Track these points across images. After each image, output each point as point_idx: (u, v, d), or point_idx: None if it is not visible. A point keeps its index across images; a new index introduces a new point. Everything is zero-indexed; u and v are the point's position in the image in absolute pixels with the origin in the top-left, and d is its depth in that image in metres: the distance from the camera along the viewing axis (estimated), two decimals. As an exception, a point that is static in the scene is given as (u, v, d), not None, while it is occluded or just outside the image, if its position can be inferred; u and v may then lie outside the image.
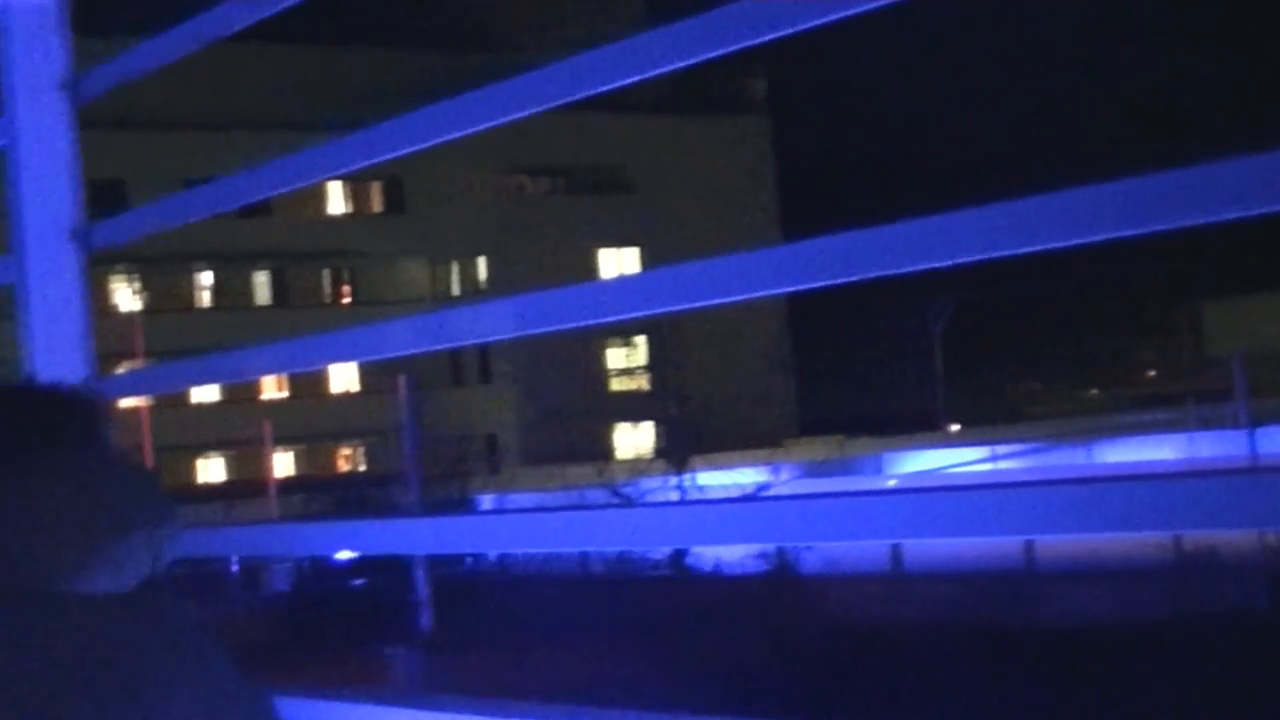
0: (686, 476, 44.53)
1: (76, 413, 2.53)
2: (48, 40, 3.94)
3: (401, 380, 31.23)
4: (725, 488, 41.03)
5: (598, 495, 38.43)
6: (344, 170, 3.35)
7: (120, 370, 4.82)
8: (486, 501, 48.15)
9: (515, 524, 3.59)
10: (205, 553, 4.77)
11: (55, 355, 4.74)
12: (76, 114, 4.05)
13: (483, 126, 2.82)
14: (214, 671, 2.42)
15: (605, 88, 2.17)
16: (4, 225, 4.19)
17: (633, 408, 68.58)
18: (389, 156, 3.31)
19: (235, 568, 31.97)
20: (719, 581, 34.46)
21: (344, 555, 35.37)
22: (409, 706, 3.69)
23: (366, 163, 3.63)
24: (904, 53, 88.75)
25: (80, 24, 3.79)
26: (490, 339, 3.57)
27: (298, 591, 31.99)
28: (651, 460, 52.68)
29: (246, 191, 4.32)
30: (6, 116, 4.12)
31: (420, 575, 27.09)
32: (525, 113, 2.46)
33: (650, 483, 43.70)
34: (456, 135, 3.03)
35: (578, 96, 2.26)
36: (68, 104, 4.03)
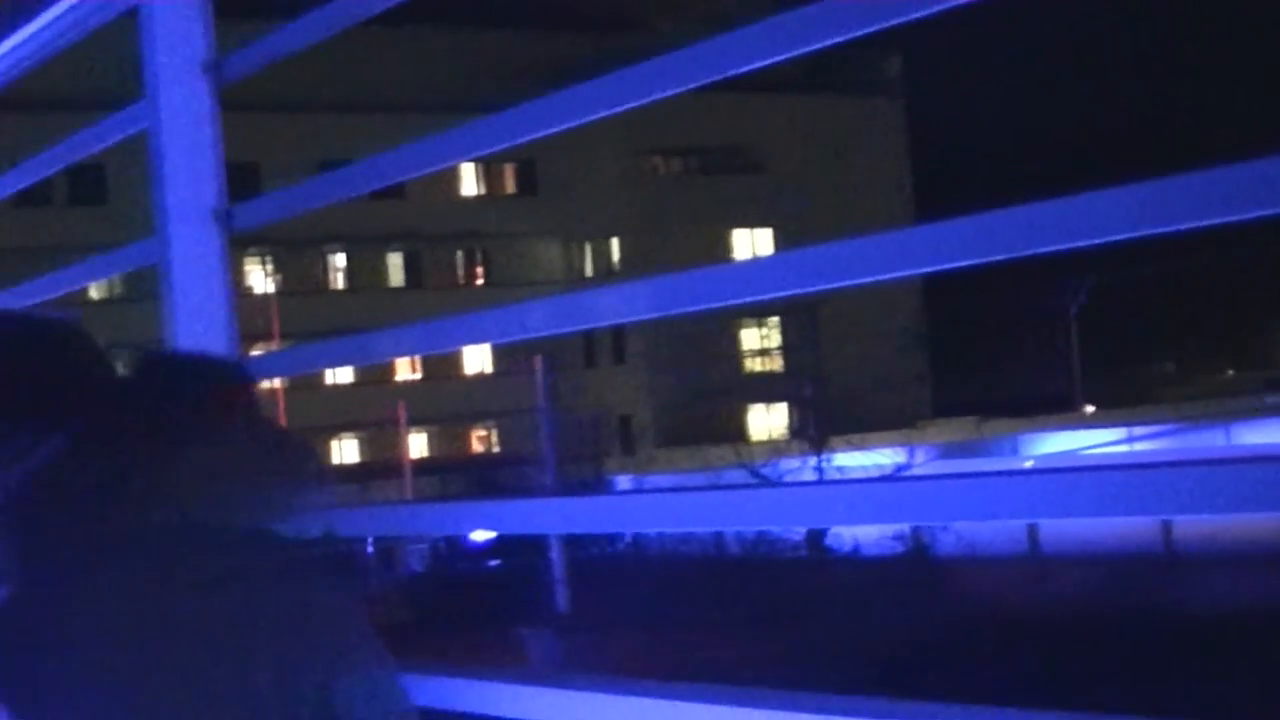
0: (824, 458, 44.41)
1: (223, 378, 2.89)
2: (190, 23, 3.98)
3: (538, 361, 31.35)
4: (863, 469, 40.92)
5: (736, 477, 38.40)
6: (482, 153, 3.38)
7: (256, 352, 4.87)
8: (623, 483, 48.26)
9: (654, 504, 3.61)
10: (345, 532, 4.83)
11: (199, 335, 4.81)
12: (219, 96, 4.10)
13: (620, 109, 2.83)
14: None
15: (743, 70, 2.17)
16: (146, 208, 4.25)
17: (767, 389, 68.50)
18: (527, 139, 3.32)
19: (371, 549, 32.24)
20: (856, 562, 34.39)
21: (479, 537, 35.61)
22: (547, 685, 3.71)
23: (505, 145, 3.66)
24: (1039, 32, 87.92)
25: (221, 6, 3.84)
26: (624, 320, 3.58)
27: (433, 573, 32.21)
28: (788, 441, 52.59)
29: (385, 174, 4.36)
30: (149, 99, 4.17)
31: (556, 556, 27.19)
32: (663, 95, 2.47)
33: (789, 464, 43.61)
34: (594, 118, 3.05)
35: (715, 79, 2.27)
36: (210, 86, 4.07)
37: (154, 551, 2.25)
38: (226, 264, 4.76)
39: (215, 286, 4.79)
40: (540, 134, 3.54)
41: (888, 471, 37.27)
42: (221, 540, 2.30)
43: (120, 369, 2.79)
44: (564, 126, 3.26)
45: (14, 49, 4.25)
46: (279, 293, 60.93)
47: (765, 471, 40.81)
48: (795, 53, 2.08)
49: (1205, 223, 1.66)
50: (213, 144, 4.63)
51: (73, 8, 4.32)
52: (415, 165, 4.20)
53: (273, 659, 2.22)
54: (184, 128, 4.63)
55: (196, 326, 4.75)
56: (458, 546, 34.53)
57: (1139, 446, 51.31)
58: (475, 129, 3.79)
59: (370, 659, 2.49)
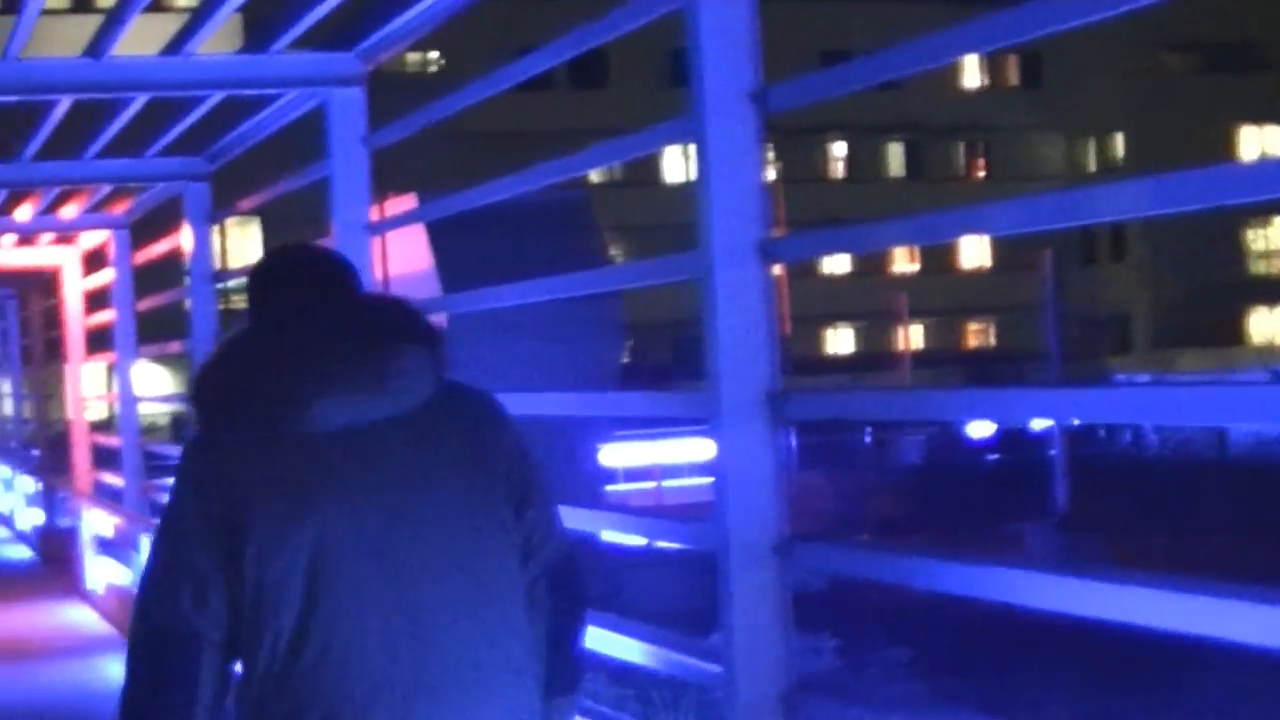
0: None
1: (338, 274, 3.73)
2: None
3: (1046, 255, 30.86)
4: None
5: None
6: (994, 47, 3.44)
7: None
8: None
9: (1168, 396, 3.64)
10: (842, 415, 4.97)
11: (732, 214, 4.95)
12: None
13: (1134, 7, 2.86)
14: (484, 456, 3.62)
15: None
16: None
17: (1271, 291, 66.26)
18: (1039, 35, 3.37)
19: (868, 438, 32.41)
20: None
21: (978, 432, 35.45)
22: (1058, 575, 3.80)
23: (1015, 40, 3.70)
24: None
25: None
26: (1128, 217, 3.61)
27: (931, 465, 32.22)
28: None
29: (906, 64, 4.43)
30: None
31: (1057, 454, 26.90)
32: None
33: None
34: (1107, 15, 3.08)
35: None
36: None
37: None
38: (760, 145, 4.90)
39: (748, 167, 4.92)
40: (1052, 30, 3.58)
41: None
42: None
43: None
44: (1077, 23, 3.30)
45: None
46: (781, 180, 61.34)
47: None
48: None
49: None
50: (748, 24, 4.74)
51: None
52: (932, 57, 4.28)
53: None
54: (721, 8, 4.77)
55: (730, 205, 4.91)
56: (956, 440, 34.46)
57: None
58: (989, 23, 3.84)
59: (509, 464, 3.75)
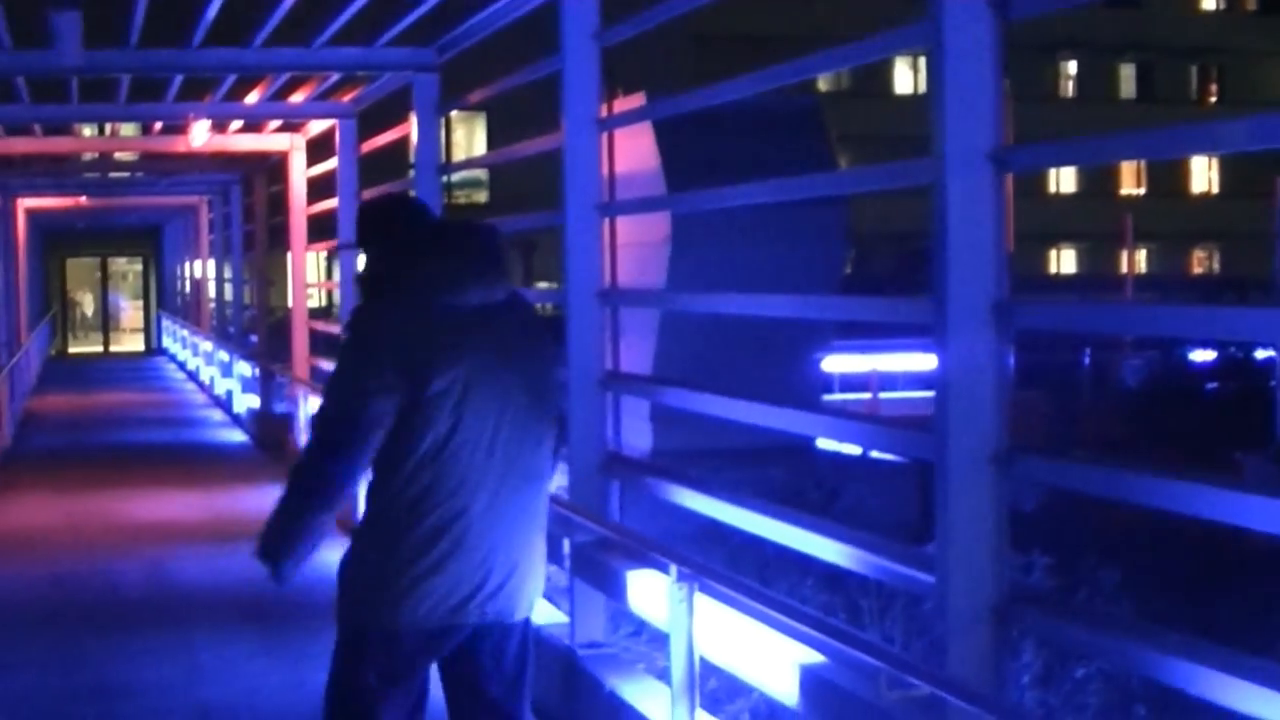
0: None
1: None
2: None
3: (1278, 182, 30.06)
4: None
5: None
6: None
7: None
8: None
9: None
10: (1069, 327, 4.91)
11: (967, 121, 4.89)
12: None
13: None
14: (543, 348, 5.44)
15: None
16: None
17: None
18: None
19: (1087, 360, 31.99)
20: None
21: (1199, 357, 34.82)
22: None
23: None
24: None
25: None
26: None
27: (1149, 388, 31.73)
28: None
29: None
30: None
31: (1278, 384, 26.32)
32: None
33: None
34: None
35: None
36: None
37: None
38: (998, 52, 4.82)
39: (985, 73, 4.84)
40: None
41: None
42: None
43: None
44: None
45: None
46: (1010, 96, 60.42)
47: None
48: None
49: None
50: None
51: None
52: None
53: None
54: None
55: (964, 116, 4.85)
56: (1176, 365, 33.89)
57: None
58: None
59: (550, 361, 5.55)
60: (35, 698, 8.99)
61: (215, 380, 29.81)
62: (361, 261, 5.60)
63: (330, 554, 5.21)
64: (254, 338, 25.63)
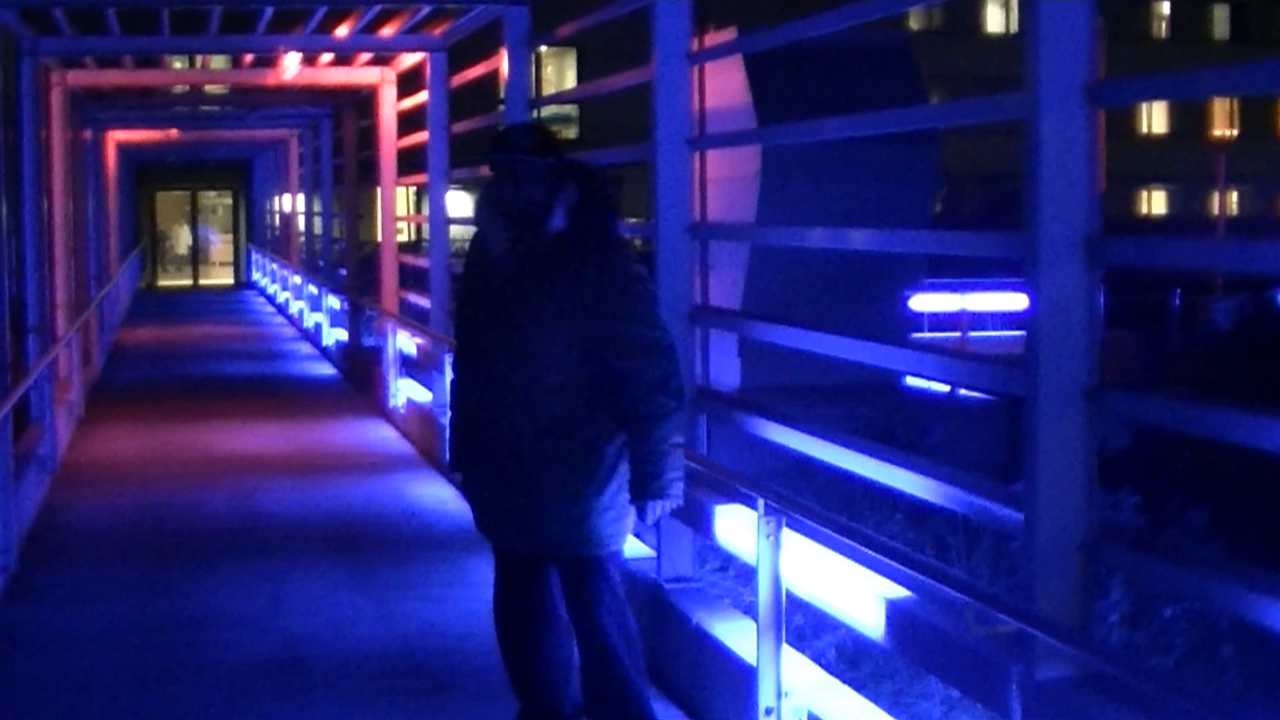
0: None
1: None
2: None
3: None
4: None
5: None
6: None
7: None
8: None
9: None
10: (1163, 263, 4.86)
11: (1060, 55, 4.87)
12: None
13: None
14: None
15: None
16: None
17: None
18: None
19: (1177, 300, 31.71)
20: None
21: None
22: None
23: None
24: None
25: None
26: None
27: (1240, 331, 31.41)
28: None
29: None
30: None
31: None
32: None
33: None
34: None
35: None
36: None
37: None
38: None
39: (1079, 4, 4.83)
40: None
41: None
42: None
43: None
44: None
45: None
46: (1103, 35, 59.83)
47: None
48: None
49: None
50: None
51: None
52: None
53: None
54: None
55: (1058, 42, 4.80)
56: (1269, 307, 33.53)
57: None
58: None
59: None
60: (123, 627, 9.08)
61: (304, 314, 30.00)
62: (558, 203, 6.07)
63: (422, 487, 5.17)
64: (343, 271, 25.74)
